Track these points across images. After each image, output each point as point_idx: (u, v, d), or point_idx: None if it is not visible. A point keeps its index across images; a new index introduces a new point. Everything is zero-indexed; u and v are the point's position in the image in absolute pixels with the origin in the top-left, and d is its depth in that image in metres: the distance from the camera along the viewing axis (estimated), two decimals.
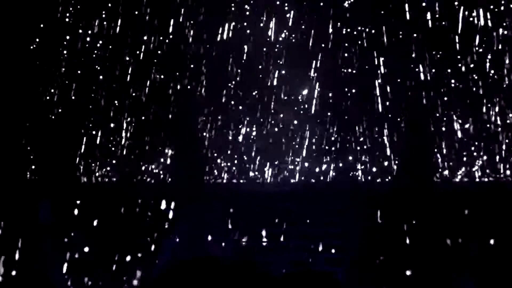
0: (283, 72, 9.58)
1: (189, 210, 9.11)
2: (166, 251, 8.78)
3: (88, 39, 9.68)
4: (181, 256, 8.52)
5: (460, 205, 8.72)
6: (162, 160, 9.73)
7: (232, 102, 9.66)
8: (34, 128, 9.62)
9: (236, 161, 9.66)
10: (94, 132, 9.64)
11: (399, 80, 9.35)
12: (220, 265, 2.81)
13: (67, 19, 9.69)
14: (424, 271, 8.62)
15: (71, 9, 9.70)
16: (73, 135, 9.61)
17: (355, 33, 9.44)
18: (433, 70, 9.31)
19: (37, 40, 9.66)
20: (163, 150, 9.67)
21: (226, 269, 2.81)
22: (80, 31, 9.68)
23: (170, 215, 9.06)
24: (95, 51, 9.68)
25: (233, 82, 9.63)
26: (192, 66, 9.61)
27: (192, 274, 2.80)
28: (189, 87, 9.60)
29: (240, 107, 9.64)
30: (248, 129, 9.64)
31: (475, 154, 9.22)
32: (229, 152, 9.64)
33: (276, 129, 9.61)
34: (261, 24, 9.60)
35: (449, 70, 9.30)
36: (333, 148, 9.45)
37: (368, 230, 8.86)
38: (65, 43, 9.69)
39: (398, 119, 9.35)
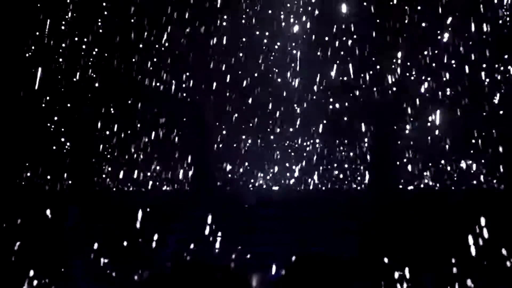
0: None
1: (190, 214, 9.36)
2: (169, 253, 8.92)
3: (98, 45, 10.03)
4: (180, 259, 8.62)
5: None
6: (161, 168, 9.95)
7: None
8: (57, 137, 10.00)
9: (237, 169, 9.90)
10: (108, 142, 9.99)
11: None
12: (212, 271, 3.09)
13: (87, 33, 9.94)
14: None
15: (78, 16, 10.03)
16: (92, 144, 9.97)
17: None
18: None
19: (48, 45, 9.98)
20: (172, 159, 9.99)
21: (218, 274, 3.09)
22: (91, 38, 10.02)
23: (172, 219, 9.30)
24: (108, 61, 10.00)
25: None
26: (202, 77, 9.98)
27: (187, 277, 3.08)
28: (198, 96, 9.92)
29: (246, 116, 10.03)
30: (248, 139, 9.84)
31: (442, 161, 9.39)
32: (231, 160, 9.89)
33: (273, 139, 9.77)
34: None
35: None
36: (324, 159, 9.63)
37: (360, 236, 9.12)
38: (75, 49, 10.04)
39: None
